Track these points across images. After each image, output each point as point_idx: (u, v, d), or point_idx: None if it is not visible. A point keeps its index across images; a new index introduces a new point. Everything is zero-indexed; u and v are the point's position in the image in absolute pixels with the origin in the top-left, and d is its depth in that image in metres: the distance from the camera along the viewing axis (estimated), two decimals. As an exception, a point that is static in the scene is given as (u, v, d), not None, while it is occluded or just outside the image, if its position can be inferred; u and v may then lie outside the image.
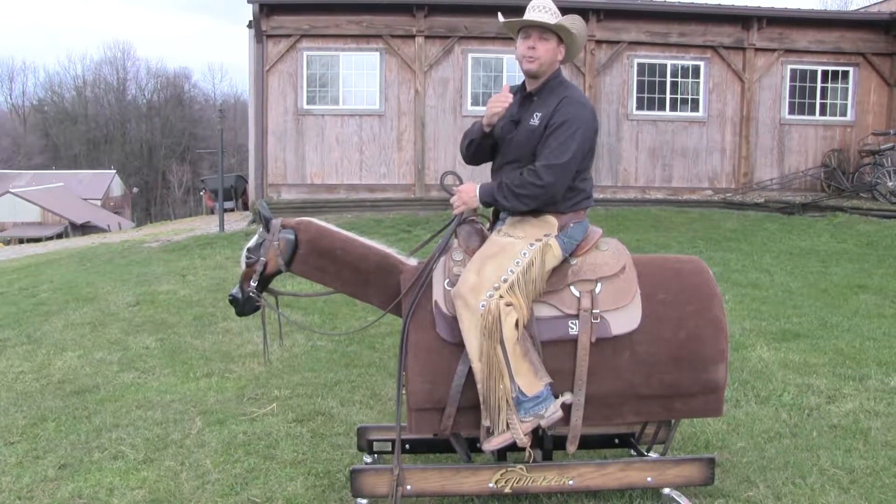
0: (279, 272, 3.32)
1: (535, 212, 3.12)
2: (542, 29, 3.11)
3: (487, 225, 3.35)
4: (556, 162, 3.00)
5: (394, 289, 3.28)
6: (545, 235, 3.10)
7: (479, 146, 3.31)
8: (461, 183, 3.24)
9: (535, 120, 3.10)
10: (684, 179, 15.38)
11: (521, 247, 3.06)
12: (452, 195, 3.20)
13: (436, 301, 3.10)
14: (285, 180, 14.57)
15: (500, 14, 3.39)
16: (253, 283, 3.28)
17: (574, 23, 3.12)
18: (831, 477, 3.49)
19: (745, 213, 13.81)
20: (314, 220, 3.39)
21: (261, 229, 3.33)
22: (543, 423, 3.04)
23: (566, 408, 3.08)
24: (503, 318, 2.93)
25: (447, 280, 3.11)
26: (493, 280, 2.98)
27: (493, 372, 2.95)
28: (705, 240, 11.01)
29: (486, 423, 3.06)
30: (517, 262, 3.03)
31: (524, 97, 3.23)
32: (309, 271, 3.33)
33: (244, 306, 3.33)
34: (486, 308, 2.93)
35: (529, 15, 3.11)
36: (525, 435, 3.02)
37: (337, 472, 3.64)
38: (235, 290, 3.33)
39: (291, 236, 3.28)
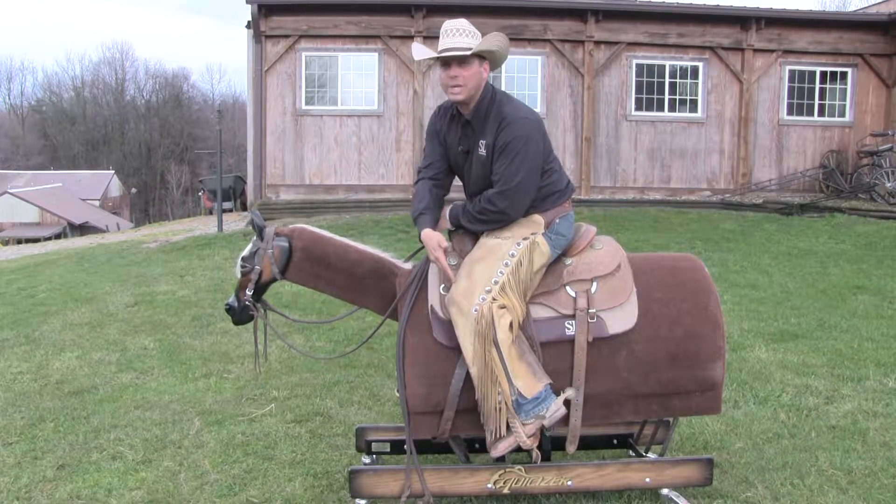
0: (274, 280, 3.32)
1: None
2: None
3: None
4: (508, 187, 3.01)
5: (390, 293, 3.29)
6: (532, 234, 3.11)
7: None
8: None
9: (482, 149, 3.09)
10: (683, 180, 15.39)
11: (509, 247, 3.07)
12: None
13: (432, 306, 3.10)
14: (284, 181, 14.56)
15: (414, 51, 3.20)
16: (249, 293, 3.29)
17: (491, 42, 3.01)
18: (830, 477, 3.50)
19: (743, 213, 13.82)
20: (308, 226, 3.39)
21: (254, 238, 3.33)
22: (546, 423, 3.02)
23: (567, 405, 3.08)
24: (496, 320, 2.93)
25: (443, 285, 3.11)
26: (483, 283, 2.98)
27: (489, 376, 2.95)
28: (704, 240, 11.02)
29: (487, 427, 3.06)
30: (506, 263, 3.03)
31: (464, 124, 3.15)
32: (304, 278, 3.34)
33: (240, 315, 3.34)
34: (478, 312, 2.93)
35: (445, 42, 2.99)
36: (529, 437, 3.02)
37: (335, 473, 3.64)
38: (231, 300, 3.33)
39: (285, 244, 3.29)
